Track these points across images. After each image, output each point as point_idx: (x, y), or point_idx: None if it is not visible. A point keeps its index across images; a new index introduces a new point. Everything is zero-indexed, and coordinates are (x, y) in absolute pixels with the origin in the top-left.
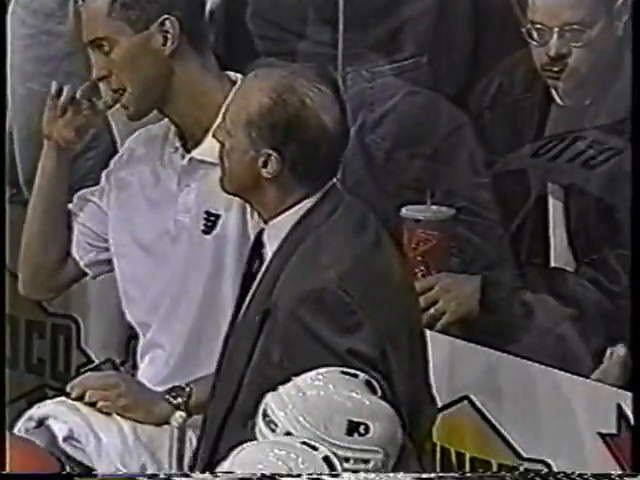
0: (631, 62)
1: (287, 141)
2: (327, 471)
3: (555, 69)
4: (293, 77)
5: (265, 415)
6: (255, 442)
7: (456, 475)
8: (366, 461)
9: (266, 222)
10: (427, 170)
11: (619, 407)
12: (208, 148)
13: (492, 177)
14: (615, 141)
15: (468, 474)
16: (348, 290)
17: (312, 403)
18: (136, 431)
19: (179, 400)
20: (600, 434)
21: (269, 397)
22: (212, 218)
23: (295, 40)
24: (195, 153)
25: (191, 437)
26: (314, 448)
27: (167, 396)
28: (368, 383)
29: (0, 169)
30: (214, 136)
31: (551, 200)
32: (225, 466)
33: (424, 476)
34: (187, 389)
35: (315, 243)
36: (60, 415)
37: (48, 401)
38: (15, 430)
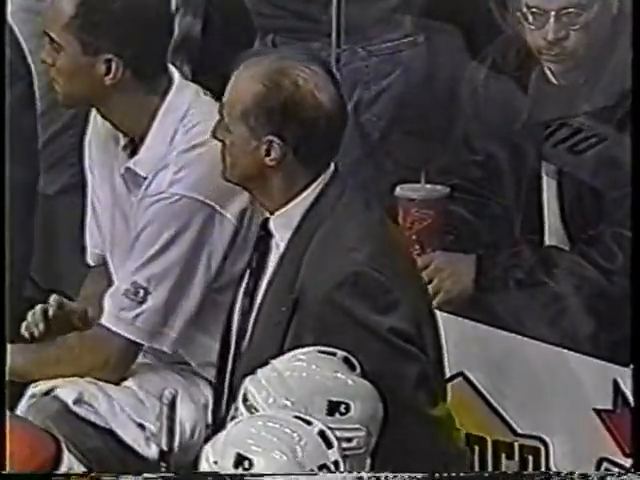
0: (631, 60)
1: (286, 124)
2: (323, 446)
3: (553, 52)
4: (282, 61)
5: (245, 400)
6: (248, 416)
7: (453, 475)
8: (349, 439)
9: (271, 212)
10: (422, 149)
11: (615, 383)
12: (142, 159)
13: (486, 155)
14: (603, 126)
15: (462, 474)
16: (380, 270)
17: (291, 385)
18: (143, 386)
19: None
20: (596, 410)
21: (248, 381)
22: None
23: (292, 18)
24: (131, 163)
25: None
26: (308, 423)
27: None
28: (346, 360)
29: (0, 168)
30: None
31: (545, 178)
32: (220, 440)
33: (419, 476)
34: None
35: (332, 228)
36: (64, 384)
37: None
38: (19, 408)
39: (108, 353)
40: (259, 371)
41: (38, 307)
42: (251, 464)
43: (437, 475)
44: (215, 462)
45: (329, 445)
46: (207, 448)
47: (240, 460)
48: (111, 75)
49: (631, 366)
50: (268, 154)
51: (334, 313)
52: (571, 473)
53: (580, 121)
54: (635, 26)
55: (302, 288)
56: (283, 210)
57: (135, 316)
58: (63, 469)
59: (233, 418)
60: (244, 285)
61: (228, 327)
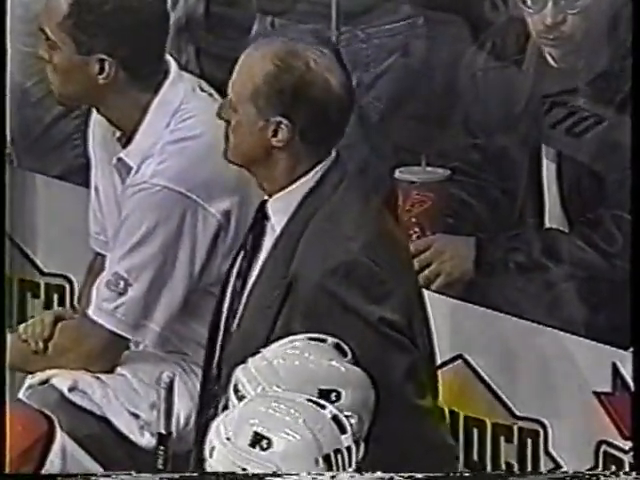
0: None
1: (296, 106)
2: (337, 430)
3: (551, 36)
4: (294, 42)
5: (236, 390)
6: (261, 395)
7: (443, 474)
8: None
9: (270, 195)
10: (422, 131)
11: (614, 366)
12: (133, 150)
13: (486, 138)
14: (603, 109)
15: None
16: (375, 260)
17: (281, 374)
18: (137, 374)
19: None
20: (595, 393)
21: (239, 371)
22: None
23: (291, 0)
24: (122, 153)
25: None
26: (322, 406)
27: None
28: (337, 346)
29: (0, 166)
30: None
31: (545, 161)
32: (234, 417)
33: (419, 475)
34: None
35: (330, 214)
36: (60, 373)
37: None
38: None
39: (91, 344)
40: (249, 360)
41: (37, 323)
42: (270, 444)
43: (438, 475)
44: (228, 439)
45: (343, 430)
46: (218, 425)
47: (258, 439)
48: (104, 75)
49: (631, 349)
50: (275, 135)
51: (325, 300)
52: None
53: (578, 103)
54: (635, 26)
55: (296, 273)
56: (282, 194)
57: (115, 307)
58: (56, 447)
59: (225, 408)
60: (237, 266)
61: (218, 309)
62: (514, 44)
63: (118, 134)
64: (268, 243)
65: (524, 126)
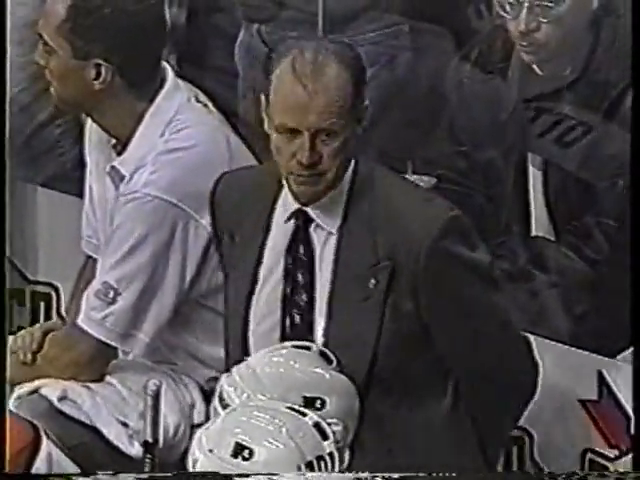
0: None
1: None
2: (319, 437)
3: (525, 43)
4: None
5: (221, 398)
6: (243, 405)
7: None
8: (332, 433)
9: (305, 204)
10: (408, 139)
11: (600, 374)
12: (127, 159)
13: (472, 146)
14: (590, 116)
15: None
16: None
17: (265, 382)
18: (126, 383)
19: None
20: (581, 401)
21: (224, 379)
22: None
23: (276, 8)
24: (116, 162)
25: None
26: (303, 414)
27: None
28: (322, 354)
29: (0, 167)
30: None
31: (531, 169)
32: (215, 428)
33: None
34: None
35: (384, 194)
36: (49, 383)
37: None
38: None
39: (80, 353)
40: (234, 369)
41: (27, 335)
42: (251, 454)
43: (437, 475)
44: (210, 450)
45: (325, 437)
46: (200, 437)
47: (240, 449)
48: (100, 80)
49: (627, 351)
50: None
51: (443, 262)
52: (574, 473)
53: (563, 110)
54: (635, 26)
55: (393, 253)
56: (322, 200)
57: (104, 317)
58: (42, 454)
59: (208, 419)
60: (290, 280)
61: (283, 327)
62: (499, 52)
63: (113, 141)
64: (325, 246)
65: (510, 134)
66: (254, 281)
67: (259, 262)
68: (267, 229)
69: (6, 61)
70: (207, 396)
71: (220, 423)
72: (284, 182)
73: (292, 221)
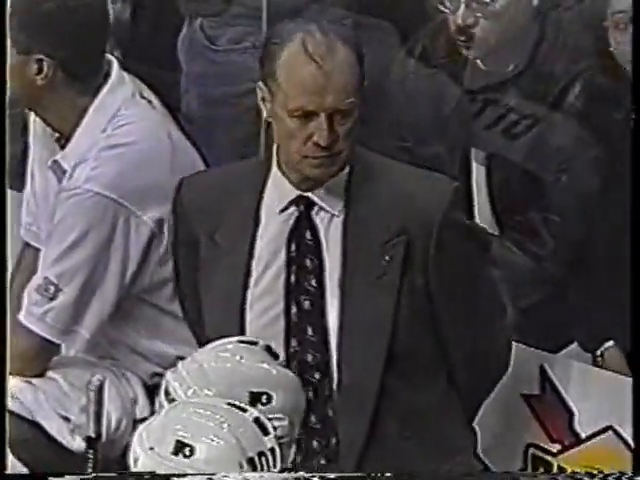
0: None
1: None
2: (259, 433)
3: (462, 38)
4: None
5: (167, 393)
6: (183, 403)
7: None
8: (273, 429)
9: (304, 191)
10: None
11: (542, 369)
12: (69, 154)
13: (415, 141)
14: (536, 109)
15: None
16: None
17: (212, 377)
18: (68, 378)
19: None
20: (523, 395)
21: (170, 374)
22: None
23: (221, 2)
24: (59, 156)
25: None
26: (243, 410)
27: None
28: (268, 349)
29: (0, 168)
30: None
31: (474, 164)
32: (155, 426)
33: (331, 476)
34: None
35: (376, 175)
36: None
37: None
38: None
39: (22, 348)
40: (180, 363)
41: None
42: (192, 451)
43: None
44: (151, 448)
45: (265, 432)
46: (140, 434)
47: (180, 447)
48: (42, 75)
49: (572, 345)
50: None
51: (454, 233)
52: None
53: (509, 103)
54: (635, 26)
55: (405, 228)
56: (326, 185)
57: (45, 312)
58: None
59: (153, 413)
60: (294, 267)
61: (287, 312)
62: (443, 47)
63: (57, 134)
64: (329, 228)
65: (454, 129)
66: (247, 275)
67: (251, 256)
68: (256, 223)
69: (6, 61)
70: (150, 391)
71: (160, 420)
72: (276, 171)
73: (292, 209)
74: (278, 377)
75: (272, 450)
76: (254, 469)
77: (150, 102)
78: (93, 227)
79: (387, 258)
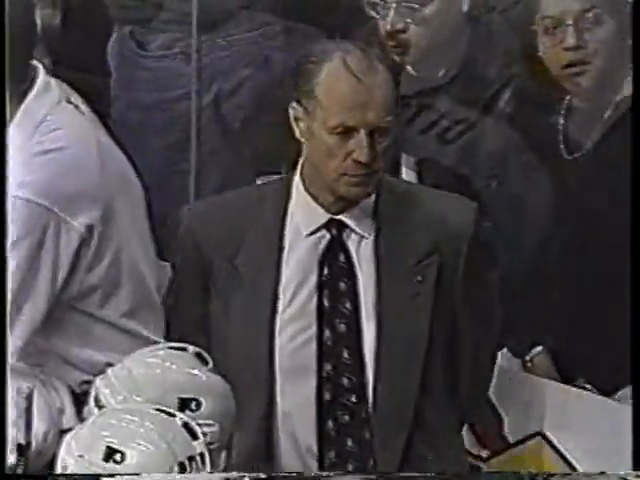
0: (632, 66)
1: None
2: (189, 437)
3: (393, 43)
4: None
5: (97, 400)
6: (112, 409)
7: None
8: (203, 435)
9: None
10: (282, 140)
11: None
12: None
13: None
14: (469, 114)
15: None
16: None
17: (141, 383)
18: None
19: None
20: None
21: (99, 382)
22: None
23: (151, 8)
24: None
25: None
26: (171, 415)
27: None
28: (198, 355)
29: (0, 168)
30: None
31: (404, 170)
32: (84, 433)
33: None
34: None
35: (400, 199)
36: None
37: None
38: None
39: None
40: (109, 370)
41: None
42: (123, 457)
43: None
44: (80, 456)
45: (194, 437)
46: (69, 442)
47: (111, 453)
48: None
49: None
50: None
51: (477, 252)
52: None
53: (442, 108)
54: (635, 26)
55: (438, 248)
56: (353, 209)
57: None
58: None
59: (83, 420)
60: (326, 291)
61: (320, 336)
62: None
63: None
64: (359, 251)
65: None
66: (274, 300)
67: (277, 280)
68: (280, 247)
69: (6, 61)
70: (80, 400)
71: (89, 427)
72: (303, 193)
73: (321, 232)
74: (208, 383)
75: (202, 455)
76: (184, 473)
77: (77, 107)
78: (24, 234)
79: (419, 278)
